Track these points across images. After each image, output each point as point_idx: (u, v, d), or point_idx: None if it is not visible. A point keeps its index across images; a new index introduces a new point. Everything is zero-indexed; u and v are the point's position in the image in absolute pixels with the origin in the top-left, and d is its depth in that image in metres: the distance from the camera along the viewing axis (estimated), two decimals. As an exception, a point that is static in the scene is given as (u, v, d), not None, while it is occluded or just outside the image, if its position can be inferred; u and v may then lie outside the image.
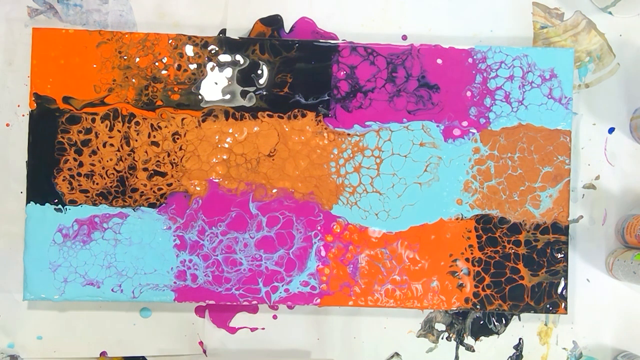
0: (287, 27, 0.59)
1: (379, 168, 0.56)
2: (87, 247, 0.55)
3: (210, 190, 0.56)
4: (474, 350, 0.59)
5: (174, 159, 0.56)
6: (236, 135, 0.56)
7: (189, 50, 0.56)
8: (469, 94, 0.56)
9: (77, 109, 0.55)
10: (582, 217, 0.59)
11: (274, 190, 0.56)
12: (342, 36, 0.59)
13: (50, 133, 0.55)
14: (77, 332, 0.58)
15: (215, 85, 0.56)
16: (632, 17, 0.60)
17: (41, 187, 0.55)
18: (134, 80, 0.55)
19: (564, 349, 0.59)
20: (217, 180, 0.56)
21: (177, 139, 0.56)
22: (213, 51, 0.56)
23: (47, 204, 0.55)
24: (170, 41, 0.56)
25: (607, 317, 0.59)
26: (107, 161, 0.55)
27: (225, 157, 0.56)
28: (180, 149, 0.56)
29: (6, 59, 0.58)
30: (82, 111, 0.55)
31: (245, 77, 0.56)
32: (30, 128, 0.55)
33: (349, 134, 0.56)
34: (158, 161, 0.56)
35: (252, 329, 0.59)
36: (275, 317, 0.59)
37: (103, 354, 0.58)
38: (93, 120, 0.55)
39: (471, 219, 0.56)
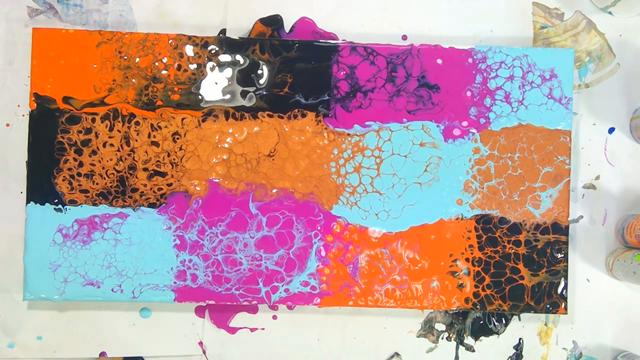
0: (287, 27, 0.59)
1: (379, 168, 0.56)
2: (87, 247, 0.55)
3: (210, 190, 0.56)
4: (474, 350, 0.59)
5: (174, 159, 0.56)
6: (236, 135, 0.56)
7: (189, 50, 0.56)
8: (469, 94, 0.56)
9: (77, 109, 0.55)
10: (582, 217, 0.59)
11: (274, 190, 0.56)
12: (342, 36, 0.59)
13: (50, 133, 0.55)
14: (77, 332, 0.58)
15: (215, 85, 0.56)
16: (632, 17, 0.60)
17: (41, 187, 0.55)
18: (134, 80, 0.55)
19: (564, 349, 0.59)
20: (217, 180, 0.56)
21: (177, 139, 0.56)
22: (213, 51, 0.56)
23: (47, 204, 0.55)
24: (170, 41, 0.56)
25: (607, 317, 0.59)
26: (107, 161, 0.55)
27: (225, 157, 0.56)
28: (180, 149, 0.56)
29: (6, 59, 0.58)
30: (82, 111, 0.55)
31: (245, 77, 0.56)
32: (30, 128, 0.55)
33: (349, 134, 0.56)
34: (158, 161, 0.56)
35: (252, 329, 0.59)
36: (275, 317, 0.59)
37: (103, 354, 0.58)
38: (93, 120, 0.55)
39: (471, 219, 0.56)
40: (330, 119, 0.56)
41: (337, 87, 0.56)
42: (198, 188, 0.56)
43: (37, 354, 0.58)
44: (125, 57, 0.55)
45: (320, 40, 0.56)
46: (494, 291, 0.56)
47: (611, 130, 0.59)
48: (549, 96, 0.56)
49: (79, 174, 0.55)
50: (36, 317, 0.58)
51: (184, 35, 0.56)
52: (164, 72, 0.56)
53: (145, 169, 0.56)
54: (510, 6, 0.59)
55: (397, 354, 0.59)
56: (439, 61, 0.56)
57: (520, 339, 0.59)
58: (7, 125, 0.58)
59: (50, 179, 0.55)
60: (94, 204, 0.55)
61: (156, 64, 0.56)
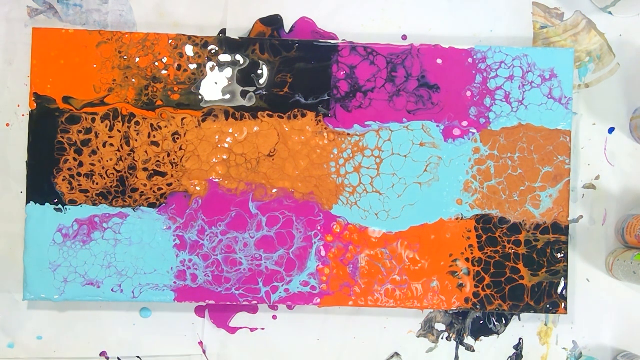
0: (287, 27, 0.59)
1: (379, 168, 0.56)
2: (87, 247, 0.55)
3: (210, 190, 0.56)
4: (474, 350, 0.59)
5: (174, 159, 0.56)
6: (236, 135, 0.56)
7: (189, 50, 0.56)
8: (469, 94, 0.56)
9: (77, 109, 0.55)
10: (582, 217, 0.59)
11: (274, 190, 0.56)
12: (342, 36, 0.59)
13: (50, 133, 0.55)
14: (77, 332, 0.58)
15: (215, 85, 0.56)
16: (632, 17, 0.60)
17: (41, 187, 0.55)
18: (134, 80, 0.55)
19: (564, 349, 0.59)
20: (217, 180, 0.56)
21: (177, 139, 0.56)
22: (213, 51, 0.56)
23: (47, 204, 0.55)
24: (170, 41, 0.56)
25: (607, 317, 0.59)
26: (107, 161, 0.55)
27: (225, 157, 0.56)
28: (180, 149, 0.56)
29: (6, 59, 0.58)
30: (82, 111, 0.55)
31: (245, 77, 0.56)
32: (30, 128, 0.55)
33: (349, 134, 0.56)
34: (158, 161, 0.56)
35: (252, 329, 0.59)
36: (275, 317, 0.59)
37: (103, 354, 0.58)
38: (93, 120, 0.55)
39: (471, 219, 0.56)
40: (330, 119, 0.56)
41: (337, 87, 0.56)
42: (198, 188, 0.56)
43: (37, 354, 0.58)
44: (125, 57, 0.55)
45: (320, 40, 0.56)
46: (494, 291, 0.56)
47: (611, 130, 0.59)
48: (549, 96, 0.56)
49: (79, 174, 0.55)
50: (36, 317, 0.58)
51: (184, 35, 0.56)
52: (164, 72, 0.56)
53: (145, 169, 0.56)
54: (510, 6, 0.59)
55: (397, 354, 0.59)
56: (439, 61, 0.56)
57: (520, 339, 0.59)
58: (7, 125, 0.58)
59: (50, 179, 0.55)
60: (94, 204, 0.55)
61: (156, 64, 0.56)
